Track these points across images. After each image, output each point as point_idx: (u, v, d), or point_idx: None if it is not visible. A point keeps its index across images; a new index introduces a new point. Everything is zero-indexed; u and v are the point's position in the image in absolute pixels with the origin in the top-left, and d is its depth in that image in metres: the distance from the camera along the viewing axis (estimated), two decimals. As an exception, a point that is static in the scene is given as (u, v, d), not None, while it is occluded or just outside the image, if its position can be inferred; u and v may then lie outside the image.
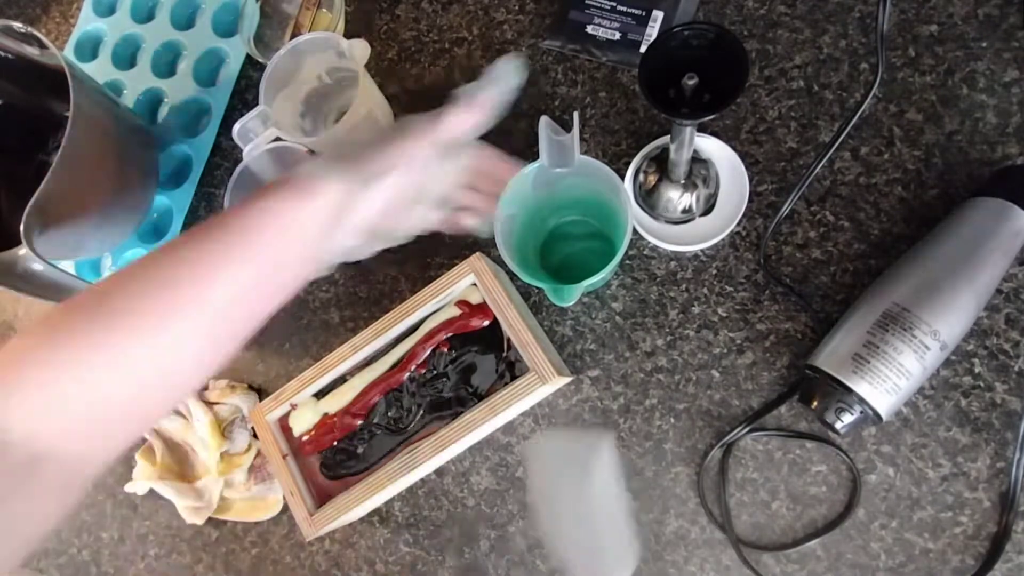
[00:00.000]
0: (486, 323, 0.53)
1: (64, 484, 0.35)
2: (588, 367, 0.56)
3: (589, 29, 0.59)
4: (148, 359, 0.35)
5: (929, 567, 0.48)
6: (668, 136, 0.54)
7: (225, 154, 0.70)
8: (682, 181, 0.52)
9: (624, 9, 0.58)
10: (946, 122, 0.51)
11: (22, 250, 0.54)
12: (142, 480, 0.63)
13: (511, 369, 0.53)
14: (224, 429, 0.62)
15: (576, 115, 0.41)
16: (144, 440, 0.65)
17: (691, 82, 0.39)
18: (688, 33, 0.39)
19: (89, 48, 0.77)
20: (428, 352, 0.54)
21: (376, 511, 0.59)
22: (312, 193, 0.38)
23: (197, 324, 0.36)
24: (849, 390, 0.45)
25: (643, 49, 0.57)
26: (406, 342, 0.55)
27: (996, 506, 0.47)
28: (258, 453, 0.63)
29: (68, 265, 0.71)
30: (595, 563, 0.28)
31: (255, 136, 0.59)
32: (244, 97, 0.71)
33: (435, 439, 0.51)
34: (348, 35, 0.67)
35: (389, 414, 0.54)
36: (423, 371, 0.54)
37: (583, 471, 0.34)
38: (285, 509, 0.62)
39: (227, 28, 0.72)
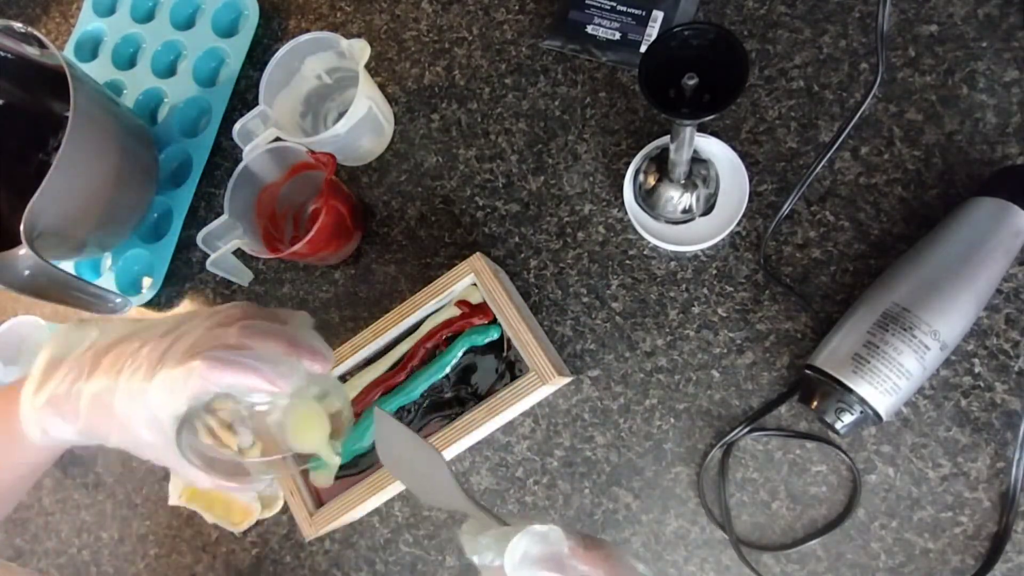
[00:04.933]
0: (486, 323, 0.53)
1: None
2: (588, 367, 0.56)
3: (589, 29, 0.59)
4: None
5: (929, 567, 0.47)
6: (668, 136, 0.54)
7: (225, 154, 0.70)
8: (682, 181, 0.52)
9: (624, 9, 0.58)
10: (946, 122, 0.51)
11: (22, 250, 0.54)
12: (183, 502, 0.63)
13: (511, 369, 0.53)
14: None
15: None
16: None
17: (691, 82, 0.39)
18: (688, 33, 0.39)
19: (89, 48, 0.77)
20: (428, 352, 0.54)
21: (376, 511, 0.59)
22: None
23: None
24: (849, 390, 0.45)
25: (643, 49, 0.57)
26: (406, 342, 0.55)
27: (996, 506, 0.47)
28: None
29: (68, 265, 0.71)
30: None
31: (255, 136, 0.59)
32: (244, 97, 0.71)
33: (435, 439, 0.51)
34: (348, 35, 0.67)
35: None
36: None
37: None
38: (285, 509, 0.62)
39: (227, 28, 0.72)
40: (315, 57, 0.61)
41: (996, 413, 0.47)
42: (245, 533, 0.63)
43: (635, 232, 0.56)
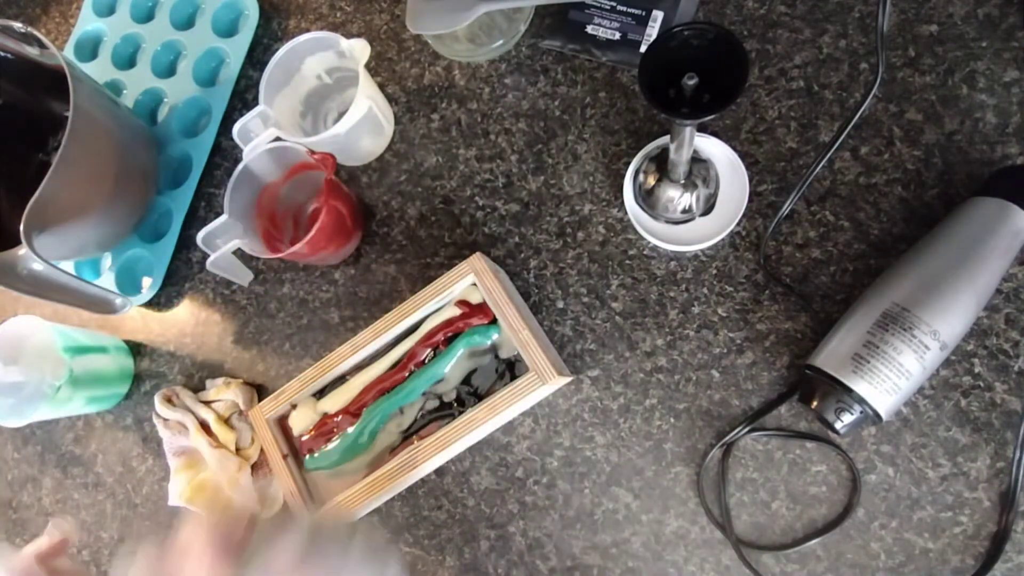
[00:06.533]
0: (486, 323, 0.53)
1: None
2: (588, 367, 0.56)
3: (589, 29, 0.59)
4: None
5: (929, 567, 0.48)
6: (668, 136, 0.54)
7: (225, 154, 0.70)
8: (682, 181, 0.52)
9: (624, 9, 0.58)
10: (946, 122, 0.51)
11: (22, 250, 0.54)
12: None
13: (511, 369, 0.53)
14: (227, 422, 0.62)
15: None
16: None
17: (691, 82, 0.39)
18: (688, 33, 0.39)
19: (89, 48, 0.77)
20: (428, 352, 0.54)
21: (376, 511, 0.59)
22: None
23: None
24: (849, 390, 0.45)
25: (643, 49, 0.57)
26: (406, 342, 0.55)
27: (996, 506, 0.47)
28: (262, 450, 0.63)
29: (68, 265, 0.71)
30: None
31: (255, 136, 0.59)
32: (244, 97, 0.71)
33: (435, 439, 0.51)
34: (348, 35, 0.67)
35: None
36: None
37: None
38: (285, 509, 0.62)
39: (227, 28, 0.72)
40: (315, 57, 0.61)
41: (996, 413, 0.47)
42: (245, 533, 0.63)
43: (635, 232, 0.56)
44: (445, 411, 0.54)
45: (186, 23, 0.74)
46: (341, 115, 0.57)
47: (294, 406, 0.57)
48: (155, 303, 0.69)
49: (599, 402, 0.55)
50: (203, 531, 0.33)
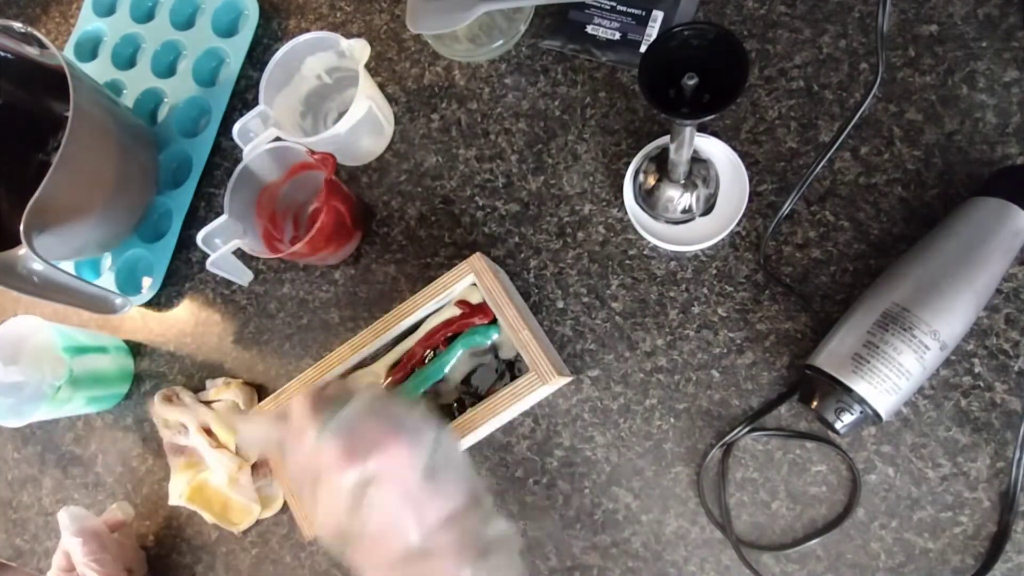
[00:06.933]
0: (486, 323, 0.53)
1: None
2: (588, 367, 0.56)
3: (589, 29, 0.59)
4: None
5: (929, 567, 0.48)
6: (668, 136, 0.54)
7: (225, 154, 0.70)
8: (682, 181, 0.52)
9: (624, 9, 0.58)
10: (946, 122, 0.51)
11: (22, 250, 0.54)
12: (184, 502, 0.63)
13: (511, 369, 0.53)
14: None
15: None
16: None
17: (691, 82, 0.39)
18: (688, 33, 0.39)
19: (89, 48, 0.77)
20: (428, 352, 0.54)
21: (376, 511, 0.59)
22: None
23: None
24: (849, 390, 0.45)
25: (643, 49, 0.57)
26: (406, 342, 0.55)
27: (996, 506, 0.47)
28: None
29: (68, 265, 0.71)
30: None
31: (255, 136, 0.59)
32: (244, 97, 0.71)
33: (435, 439, 0.51)
34: (348, 35, 0.67)
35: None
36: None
37: None
38: (285, 509, 0.62)
39: (227, 28, 0.72)
40: (315, 57, 0.61)
41: (996, 413, 0.47)
42: (245, 533, 0.63)
43: (635, 232, 0.56)
44: (445, 412, 0.54)
45: (186, 23, 0.74)
46: (341, 115, 0.57)
47: (294, 406, 0.57)
48: (155, 303, 0.69)
49: (599, 402, 0.55)
50: (298, 398, 0.42)
